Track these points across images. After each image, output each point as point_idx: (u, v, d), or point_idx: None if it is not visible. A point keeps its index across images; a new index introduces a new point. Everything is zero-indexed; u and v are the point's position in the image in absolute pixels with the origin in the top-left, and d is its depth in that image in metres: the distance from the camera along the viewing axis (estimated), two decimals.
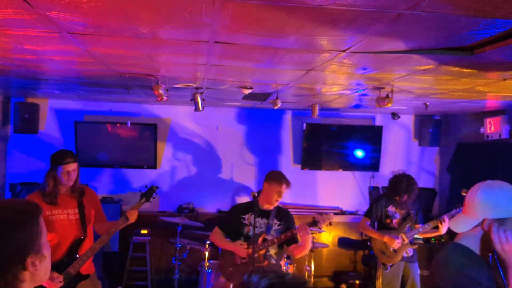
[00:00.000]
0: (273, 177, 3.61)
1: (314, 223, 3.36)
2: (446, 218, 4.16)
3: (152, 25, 2.19)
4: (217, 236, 3.75)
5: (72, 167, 3.15)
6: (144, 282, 5.71)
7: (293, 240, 3.49)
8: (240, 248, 3.54)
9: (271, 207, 3.59)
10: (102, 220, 3.43)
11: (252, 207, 3.54)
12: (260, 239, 3.51)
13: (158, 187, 3.45)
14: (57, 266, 3.03)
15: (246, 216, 3.64)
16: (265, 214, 3.61)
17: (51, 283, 2.93)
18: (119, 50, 2.80)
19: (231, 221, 3.70)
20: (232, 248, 3.59)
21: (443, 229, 4.17)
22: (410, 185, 4.27)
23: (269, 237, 3.54)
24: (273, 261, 3.48)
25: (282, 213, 3.58)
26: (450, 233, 5.79)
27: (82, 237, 3.21)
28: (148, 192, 3.42)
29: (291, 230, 3.45)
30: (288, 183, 3.59)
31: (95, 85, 4.53)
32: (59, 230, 3.10)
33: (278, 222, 3.54)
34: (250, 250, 3.45)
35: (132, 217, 3.25)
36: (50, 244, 2.97)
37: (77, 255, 3.14)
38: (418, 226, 4.33)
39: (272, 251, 3.55)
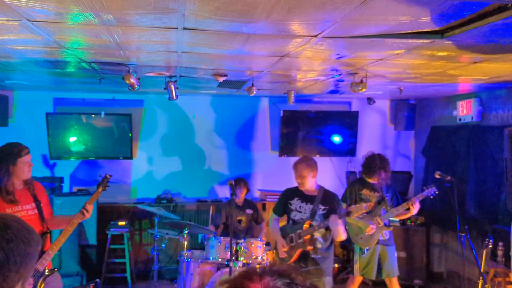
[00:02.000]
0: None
1: (348, 213, 3.57)
2: (416, 200, 4.26)
3: (118, 11, 2.12)
4: (272, 222, 3.90)
5: (30, 157, 3.05)
6: (123, 273, 5.65)
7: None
8: (280, 249, 3.73)
9: (315, 192, 3.67)
10: (51, 213, 3.30)
11: (297, 192, 3.74)
12: (306, 225, 3.57)
13: (111, 175, 3.38)
14: None
15: (293, 201, 3.76)
16: (309, 199, 3.69)
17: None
18: (85, 38, 2.71)
19: (281, 206, 3.87)
20: (277, 242, 3.80)
21: (414, 210, 4.28)
22: (383, 161, 4.40)
23: (314, 223, 3.65)
24: (319, 245, 3.60)
25: (328, 197, 3.65)
26: (425, 215, 5.92)
27: (46, 231, 3.11)
28: (103, 181, 3.34)
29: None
30: (301, 165, 3.72)
31: (64, 75, 4.40)
32: None
33: (323, 207, 3.60)
34: (286, 248, 3.65)
35: (89, 212, 3.16)
36: None
37: (44, 250, 3.03)
38: (393, 209, 4.40)
39: (318, 234, 3.65)
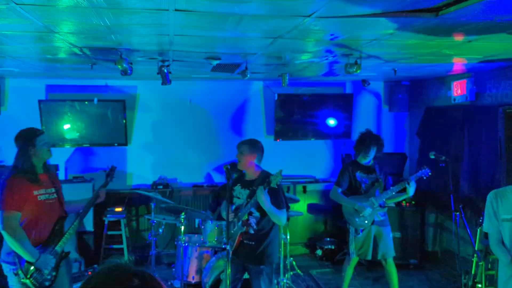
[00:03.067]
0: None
1: (268, 184, 3.32)
2: (413, 179, 4.27)
3: None
4: (222, 208, 3.87)
5: (46, 137, 3.18)
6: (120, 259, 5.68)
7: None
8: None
9: (255, 175, 3.56)
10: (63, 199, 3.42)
11: (240, 178, 3.64)
12: (244, 206, 3.53)
13: (116, 167, 3.72)
14: (46, 246, 3.05)
15: (236, 187, 3.65)
16: (248, 184, 3.58)
17: (46, 265, 2.97)
18: (75, 22, 2.67)
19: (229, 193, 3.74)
20: None
21: (410, 191, 4.27)
22: (376, 137, 4.43)
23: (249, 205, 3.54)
24: (252, 231, 3.47)
25: (265, 179, 3.45)
26: (419, 195, 5.97)
27: (65, 215, 3.23)
28: (111, 171, 3.63)
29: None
30: (243, 143, 3.66)
31: (56, 61, 4.34)
32: (46, 210, 3.08)
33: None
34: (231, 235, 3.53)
35: (103, 196, 3.41)
36: (37, 226, 2.99)
37: (62, 234, 3.16)
38: (387, 190, 4.42)
39: (253, 219, 3.50)
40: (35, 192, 3.02)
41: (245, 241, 3.50)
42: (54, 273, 3.05)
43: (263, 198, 3.30)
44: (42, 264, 2.94)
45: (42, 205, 3.05)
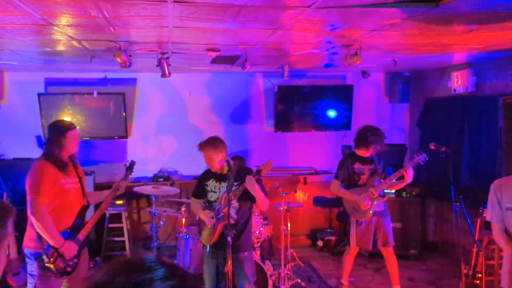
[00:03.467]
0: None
1: (258, 172, 3.43)
2: (409, 166, 4.28)
3: None
4: (192, 204, 3.88)
5: (77, 132, 3.30)
6: (123, 251, 5.71)
7: (252, 197, 3.51)
8: (205, 217, 3.63)
9: (224, 171, 3.61)
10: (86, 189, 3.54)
11: (212, 173, 3.70)
12: (223, 199, 3.56)
13: (135, 162, 3.87)
14: (70, 233, 3.15)
15: (209, 182, 3.70)
16: (223, 177, 3.64)
17: (70, 252, 3.06)
18: (73, 14, 2.65)
19: (199, 189, 3.81)
20: (201, 216, 3.72)
21: (408, 178, 4.29)
22: (376, 131, 4.42)
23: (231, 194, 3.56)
24: (233, 218, 3.51)
25: (241, 173, 3.54)
26: (420, 186, 5.97)
27: (87, 205, 3.34)
28: (131, 165, 3.81)
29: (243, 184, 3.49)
30: (204, 148, 3.65)
31: (55, 54, 4.33)
32: (71, 198, 3.19)
33: (235, 183, 3.55)
34: (213, 220, 3.58)
35: (123, 188, 3.55)
36: (63, 213, 3.11)
37: (84, 223, 3.27)
38: (386, 179, 4.43)
39: (232, 210, 3.55)
40: (62, 180, 3.13)
41: (225, 232, 3.53)
42: (76, 260, 3.15)
43: (255, 186, 3.40)
44: (66, 250, 3.04)
45: (68, 193, 3.16)
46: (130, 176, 3.73)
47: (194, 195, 3.87)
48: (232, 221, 3.50)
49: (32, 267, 3.05)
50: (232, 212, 3.53)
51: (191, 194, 3.87)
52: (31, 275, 3.05)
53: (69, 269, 3.10)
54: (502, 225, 2.96)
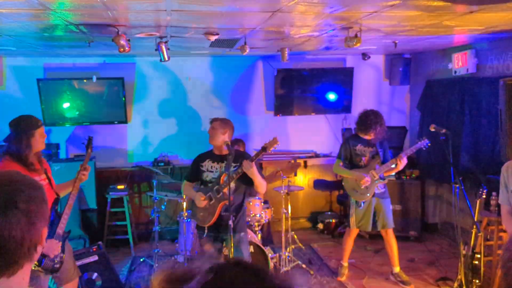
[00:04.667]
0: None
1: (263, 149, 3.47)
2: (403, 155, 4.32)
3: None
4: (184, 188, 3.96)
5: (44, 129, 3.15)
6: (125, 235, 5.77)
7: (249, 180, 3.57)
8: (198, 199, 3.68)
9: (227, 151, 3.64)
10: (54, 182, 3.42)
11: (208, 154, 3.79)
12: (222, 179, 3.61)
13: (92, 137, 3.63)
14: (49, 230, 3.04)
15: (204, 163, 3.77)
16: (221, 158, 3.71)
17: (53, 250, 2.99)
18: None
19: (192, 172, 3.87)
20: (195, 198, 3.75)
21: (400, 166, 4.34)
22: (378, 116, 4.43)
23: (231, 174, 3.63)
24: (231, 197, 3.55)
25: (238, 156, 3.64)
26: (420, 168, 5.99)
27: (58, 197, 3.23)
28: (89, 142, 3.56)
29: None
30: (215, 119, 3.75)
31: (53, 39, 4.29)
32: None
33: (234, 164, 3.61)
34: (206, 201, 3.65)
35: (87, 174, 3.34)
36: None
37: (60, 216, 3.17)
38: (383, 165, 4.45)
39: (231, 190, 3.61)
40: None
41: (223, 213, 3.65)
42: (62, 255, 3.09)
43: (253, 169, 3.46)
44: (49, 250, 2.96)
45: None
46: (90, 152, 3.48)
47: (187, 178, 3.95)
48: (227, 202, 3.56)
49: None
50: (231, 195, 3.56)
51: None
52: None
53: (57, 266, 3.05)
54: (509, 207, 2.97)
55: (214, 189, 3.65)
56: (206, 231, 3.72)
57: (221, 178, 3.64)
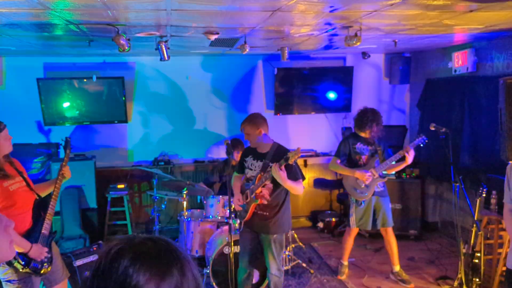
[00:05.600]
0: None
1: (286, 159, 3.36)
2: (411, 147, 4.30)
3: None
4: (233, 180, 3.89)
5: (7, 131, 3.01)
6: (125, 235, 5.76)
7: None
8: (235, 202, 3.70)
9: (268, 148, 3.62)
10: (31, 182, 3.32)
11: (251, 150, 3.72)
12: (257, 179, 3.57)
13: (70, 137, 3.55)
14: (32, 234, 3.00)
15: (247, 159, 3.74)
16: (261, 156, 3.65)
17: (40, 254, 2.94)
18: None
19: (240, 165, 3.84)
20: (234, 198, 3.75)
21: (409, 159, 4.31)
22: (375, 114, 4.43)
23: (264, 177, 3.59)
24: (266, 199, 3.53)
25: (279, 153, 3.52)
26: (420, 167, 5.99)
27: (38, 198, 3.14)
28: (67, 143, 3.49)
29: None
30: (243, 123, 3.69)
31: (53, 39, 4.29)
32: (20, 199, 2.99)
33: (270, 164, 3.54)
34: (241, 202, 3.65)
35: (67, 173, 3.31)
36: (18, 216, 2.89)
37: (44, 217, 3.10)
38: (387, 160, 4.45)
39: (266, 190, 3.55)
40: (5, 184, 2.91)
41: (258, 212, 3.61)
42: (49, 255, 3.03)
43: (280, 175, 3.35)
44: (35, 253, 2.91)
45: (15, 194, 2.95)
46: (68, 152, 3.43)
47: (236, 171, 3.91)
48: (265, 202, 3.54)
49: (7, 274, 2.90)
50: (266, 194, 3.54)
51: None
52: (9, 281, 2.90)
53: (46, 266, 3.00)
54: (511, 207, 2.97)
55: (250, 189, 3.63)
56: (242, 225, 3.72)
57: (257, 178, 3.59)
